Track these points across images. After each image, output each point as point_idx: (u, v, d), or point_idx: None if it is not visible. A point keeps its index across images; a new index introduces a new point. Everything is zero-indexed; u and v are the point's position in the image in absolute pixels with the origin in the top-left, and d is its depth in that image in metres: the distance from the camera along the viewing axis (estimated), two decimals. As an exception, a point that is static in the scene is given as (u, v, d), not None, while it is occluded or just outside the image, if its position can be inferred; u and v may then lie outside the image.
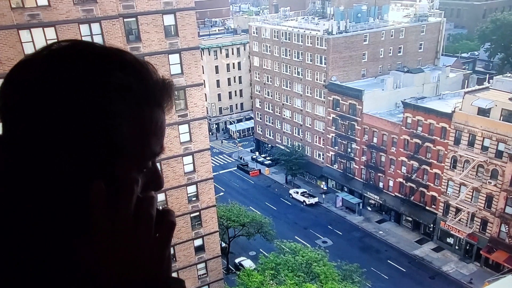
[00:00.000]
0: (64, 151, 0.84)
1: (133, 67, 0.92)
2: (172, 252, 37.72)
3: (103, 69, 0.87)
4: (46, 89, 0.83)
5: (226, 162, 74.07)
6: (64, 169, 0.85)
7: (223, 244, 46.30)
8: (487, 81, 53.47)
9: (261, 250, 47.23)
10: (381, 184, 55.61)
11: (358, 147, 56.97)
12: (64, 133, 0.83)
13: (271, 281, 35.87)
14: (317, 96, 62.03)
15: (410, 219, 53.34)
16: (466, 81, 60.47)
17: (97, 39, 28.89)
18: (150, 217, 0.89)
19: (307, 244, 45.71)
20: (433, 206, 50.55)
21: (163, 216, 0.93)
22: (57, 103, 0.83)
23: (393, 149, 52.58)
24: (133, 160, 0.91)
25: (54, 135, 0.83)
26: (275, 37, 67.22)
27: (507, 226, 43.54)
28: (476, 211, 45.77)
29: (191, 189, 37.15)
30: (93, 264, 0.86)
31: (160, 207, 0.90)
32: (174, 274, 0.95)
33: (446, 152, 47.24)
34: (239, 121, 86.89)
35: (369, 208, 57.75)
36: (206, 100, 69.05)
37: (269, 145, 73.91)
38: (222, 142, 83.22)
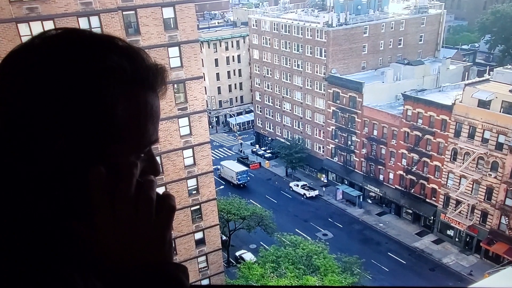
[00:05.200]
0: (62, 135, 0.83)
1: (126, 51, 0.92)
2: (172, 245, 37.82)
3: (96, 53, 0.87)
4: (40, 75, 0.83)
5: (226, 155, 74.04)
6: (64, 154, 0.84)
7: (224, 237, 46.34)
8: (487, 73, 53.34)
9: (261, 243, 47.28)
10: (381, 177, 55.62)
11: (358, 140, 56.94)
12: (62, 118, 0.83)
13: (271, 274, 35.96)
14: (317, 88, 61.90)
15: (410, 211, 53.40)
16: (467, 73, 60.28)
17: (96, 32, 28.81)
18: (150, 200, 0.91)
19: (308, 237, 45.78)
20: (433, 198, 50.58)
21: (163, 200, 0.94)
22: (53, 88, 0.82)
23: (393, 141, 52.54)
24: (131, 145, 0.91)
25: (51, 121, 0.83)
26: (274, 30, 66.98)
27: (507, 218, 43.59)
28: (476, 203, 45.80)
29: (191, 182, 37.14)
30: (95, 247, 0.87)
31: (161, 192, 0.96)
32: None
33: (446, 144, 47.21)
34: (239, 114, 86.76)
35: (369, 201, 57.79)
36: (206, 93, 68.95)
37: (269, 138, 73.87)
38: (240, 143, 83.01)
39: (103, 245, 0.87)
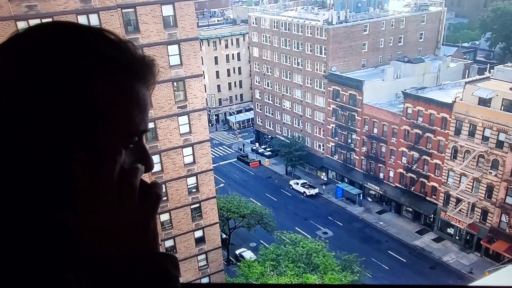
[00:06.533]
0: (47, 122, 0.83)
1: (111, 40, 0.92)
2: (172, 243, 37.80)
3: (80, 39, 0.88)
4: (23, 64, 0.84)
5: (226, 153, 73.96)
6: (46, 140, 0.84)
7: (224, 236, 46.29)
8: (488, 71, 53.16)
9: (261, 241, 47.26)
10: (381, 175, 55.54)
11: (358, 138, 56.84)
12: (44, 103, 0.82)
13: (271, 272, 35.91)
14: (317, 86, 61.77)
15: (410, 209, 53.33)
16: (467, 71, 60.16)
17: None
18: (133, 187, 0.90)
19: (308, 235, 45.75)
20: (433, 196, 50.51)
21: (149, 188, 0.93)
22: (34, 76, 0.82)
23: (393, 139, 52.44)
24: (116, 132, 0.90)
25: (34, 106, 0.82)
26: (274, 28, 66.81)
27: (507, 216, 43.53)
28: (477, 201, 45.73)
29: (191, 180, 37.08)
30: (78, 233, 0.87)
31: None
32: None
33: (446, 142, 47.12)
34: (239, 112, 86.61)
35: (369, 199, 57.73)
36: (205, 91, 68.86)
37: (269, 136, 73.74)
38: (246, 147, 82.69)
39: (87, 233, 0.87)
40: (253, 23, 70.93)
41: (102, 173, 0.87)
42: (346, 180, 60.39)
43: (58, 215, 0.86)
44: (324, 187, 60.55)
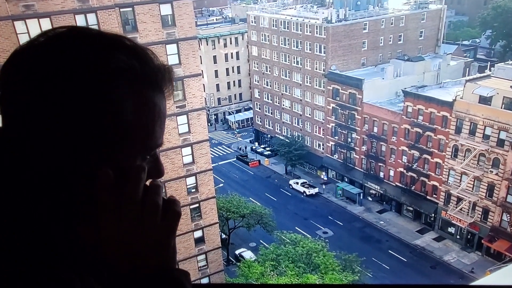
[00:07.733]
0: (68, 136, 0.82)
1: (134, 50, 0.90)
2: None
3: (104, 52, 0.85)
4: (47, 75, 0.81)
5: (225, 153, 73.72)
6: (71, 156, 0.83)
7: (223, 236, 46.07)
8: (488, 69, 52.92)
9: (261, 241, 47.04)
10: (381, 174, 55.32)
11: (358, 137, 56.61)
12: (68, 118, 0.81)
13: (271, 272, 35.72)
14: (316, 85, 61.54)
15: (411, 209, 53.13)
16: (467, 69, 59.88)
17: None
18: (156, 205, 0.90)
19: (308, 235, 45.53)
20: (434, 195, 50.31)
21: (169, 205, 0.93)
22: (60, 89, 0.80)
23: (393, 138, 52.22)
24: (138, 147, 0.90)
25: (58, 122, 0.81)
26: (273, 26, 66.58)
27: (508, 215, 43.35)
28: (478, 200, 45.53)
29: (190, 180, 36.86)
30: (99, 250, 0.87)
31: (166, 197, 0.95)
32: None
33: (447, 141, 46.91)
34: (238, 111, 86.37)
35: (369, 198, 57.51)
36: (204, 91, 68.61)
37: (269, 136, 73.51)
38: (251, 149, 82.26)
39: (107, 248, 0.87)
40: (252, 22, 70.68)
41: (127, 191, 0.86)
42: (346, 180, 60.16)
43: (78, 229, 0.86)
44: (324, 186, 60.32)
